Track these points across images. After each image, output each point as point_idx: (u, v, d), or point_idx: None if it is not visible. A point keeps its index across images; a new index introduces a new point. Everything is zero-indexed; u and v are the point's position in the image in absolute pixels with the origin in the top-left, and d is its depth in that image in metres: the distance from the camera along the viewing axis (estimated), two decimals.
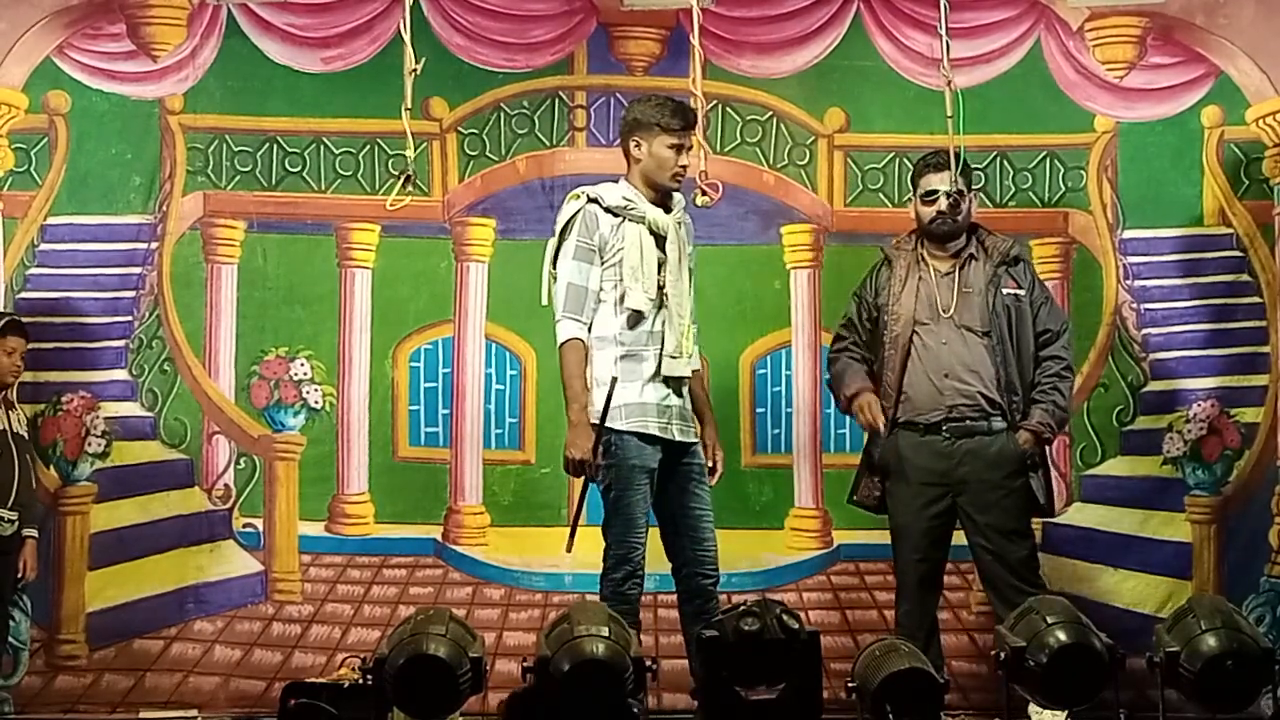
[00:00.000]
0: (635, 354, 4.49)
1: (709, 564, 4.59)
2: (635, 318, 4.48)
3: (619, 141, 4.69)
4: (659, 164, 4.53)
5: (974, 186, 4.94)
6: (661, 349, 4.50)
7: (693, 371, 4.65)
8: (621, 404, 4.45)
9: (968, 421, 4.74)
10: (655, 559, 5.40)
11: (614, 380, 4.44)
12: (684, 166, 4.55)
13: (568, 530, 4.57)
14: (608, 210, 4.50)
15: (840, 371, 4.93)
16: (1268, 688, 4.02)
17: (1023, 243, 5.55)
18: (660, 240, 4.52)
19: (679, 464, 4.58)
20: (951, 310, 4.77)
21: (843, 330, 4.99)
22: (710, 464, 4.67)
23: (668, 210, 4.59)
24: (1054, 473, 5.06)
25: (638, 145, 4.56)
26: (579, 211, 4.50)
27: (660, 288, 4.50)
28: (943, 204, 4.79)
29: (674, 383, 4.55)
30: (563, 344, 4.49)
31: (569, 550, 4.57)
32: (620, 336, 4.49)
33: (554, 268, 4.55)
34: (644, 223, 4.51)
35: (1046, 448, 4.89)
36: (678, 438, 4.55)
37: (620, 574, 4.48)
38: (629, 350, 4.49)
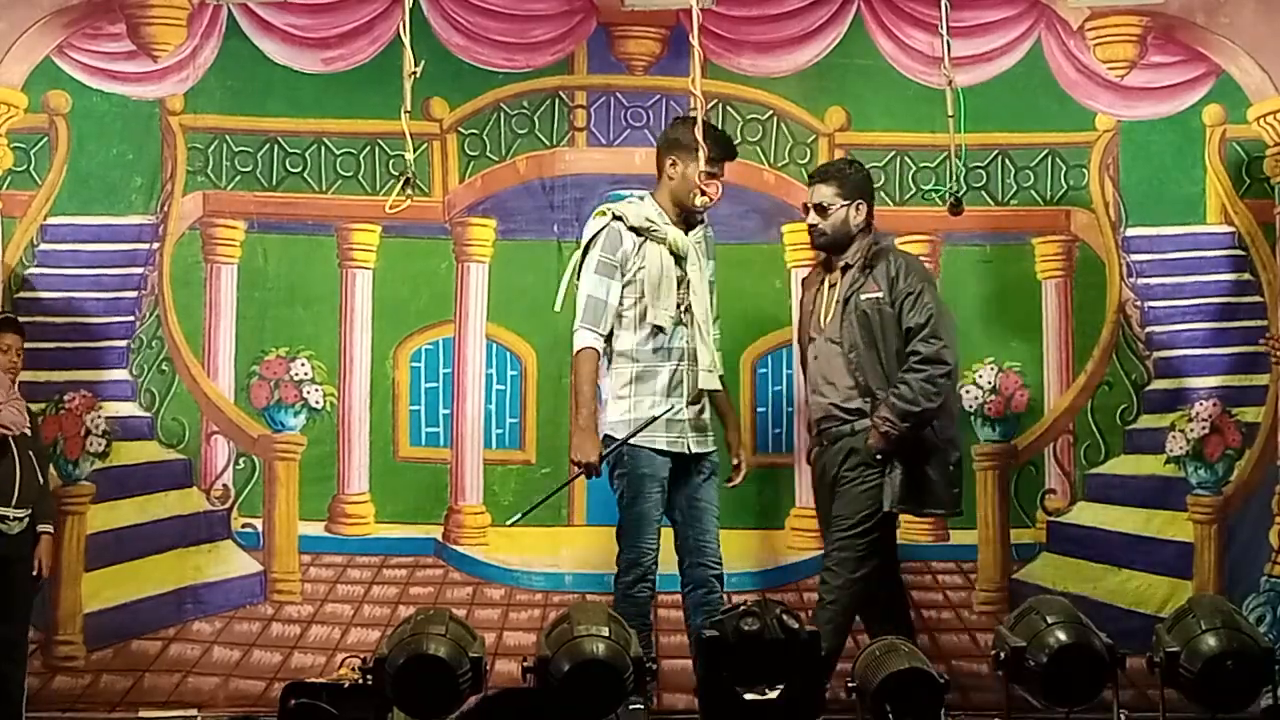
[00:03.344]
0: (650, 369, 4.70)
1: (711, 555, 4.75)
2: (655, 334, 4.66)
3: (657, 155, 4.84)
4: (689, 188, 4.70)
5: (851, 197, 4.82)
6: (695, 364, 4.70)
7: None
8: (632, 418, 4.65)
9: (832, 430, 4.80)
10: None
11: (653, 418, 4.65)
12: (711, 196, 4.71)
13: (533, 525, 4.80)
14: (631, 229, 4.68)
15: None
16: (1268, 687, 4.02)
17: (1024, 240, 5.58)
18: (680, 259, 4.71)
19: (692, 468, 4.77)
20: (824, 323, 4.83)
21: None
22: (735, 462, 4.92)
23: (691, 227, 4.77)
24: (938, 473, 4.74)
25: (673, 164, 4.76)
26: (604, 228, 4.71)
27: (679, 305, 4.70)
28: (812, 217, 4.82)
29: (690, 396, 4.72)
30: (578, 352, 4.68)
31: (510, 524, 4.75)
32: (636, 353, 4.71)
33: (577, 279, 4.74)
34: (665, 243, 4.69)
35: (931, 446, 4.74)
36: (693, 449, 4.76)
37: (631, 577, 4.64)
38: (645, 366, 4.70)
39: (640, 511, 4.65)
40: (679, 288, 4.71)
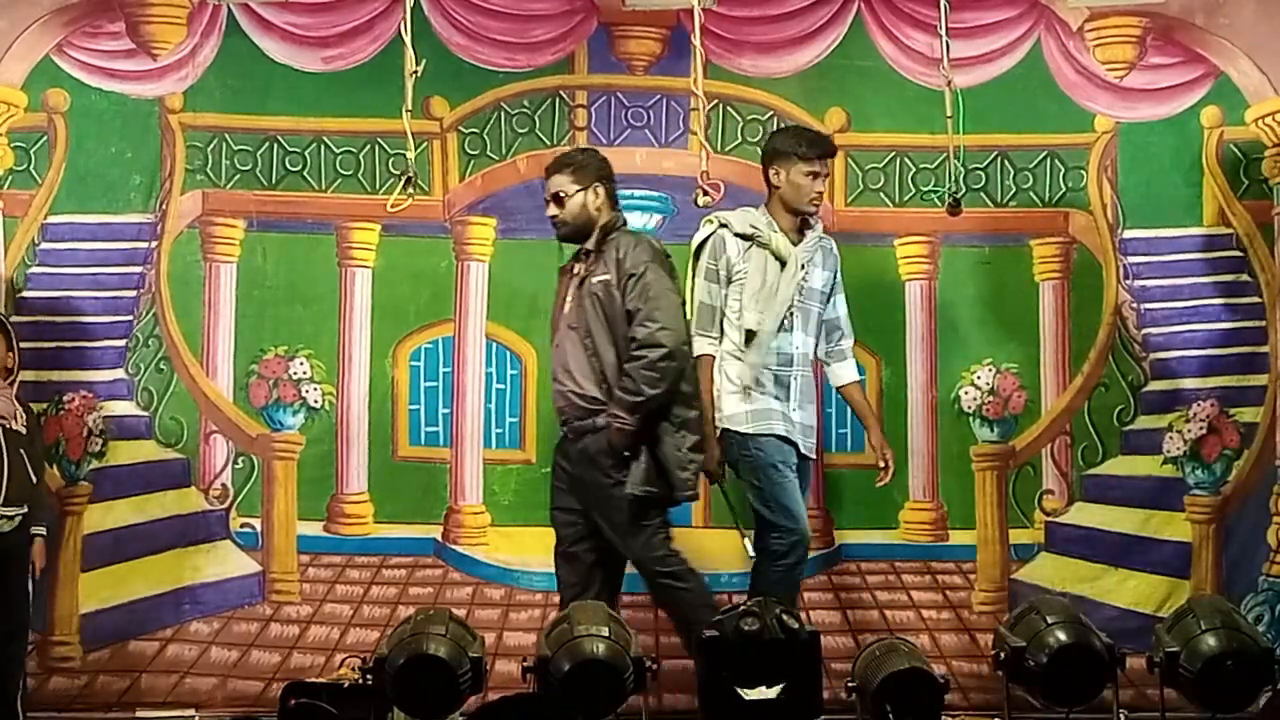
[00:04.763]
0: (760, 368, 4.80)
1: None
2: (756, 336, 4.77)
3: (762, 169, 4.96)
4: (796, 191, 4.86)
5: (586, 182, 4.76)
6: (789, 367, 4.83)
7: (854, 381, 5.12)
8: (748, 409, 4.74)
9: (575, 423, 4.73)
10: None
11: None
12: (820, 193, 4.88)
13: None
14: (736, 235, 4.82)
15: None
16: (1268, 687, 4.02)
17: (1022, 241, 5.59)
18: (785, 264, 4.81)
19: (799, 469, 4.87)
20: (566, 311, 4.80)
21: None
22: (881, 463, 5.02)
23: (804, 232, 4.89)
24: (673, 458, 4.64)
25: (776, 173, 4.89)
26: (710, 235, 4.86)
27: (786, 309, 4.81)
28: (550, 209, 4.81)
29: (799, 397, 4.85)
30: (695, 359, 4.76)
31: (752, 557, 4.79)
32: (744, 355, 4.79)
33: (690, 285, 4.86)
34: (769, 248, 4.80)
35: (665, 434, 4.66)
36: (801, 451, 4.86)
37: (794, 558, 4.75)
38: (754, 365, 4.78)
39: (786, 493, 4.75)
40: (785, 292, 4.80)
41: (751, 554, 4.78)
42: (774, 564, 4.74)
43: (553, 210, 4.80)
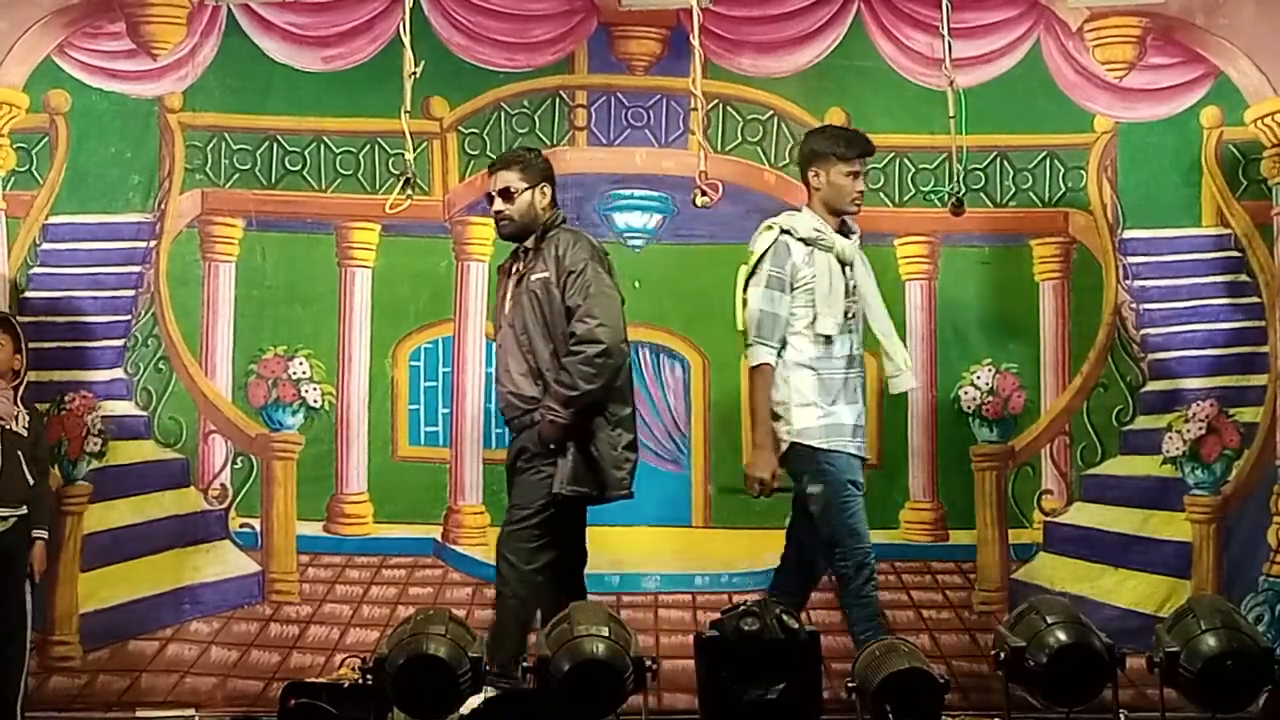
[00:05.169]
0: (829, 377, 4.72)
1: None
2: (826, 342, 4.70)
3: (800, 173, 4.87)
4: (837, 192, 4.80)
5: (534, 181, 4.73)
6: (851, 369, 4.76)
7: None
8: (823, 424, 4.67)
9: (515, 421, 4.72)
10: (654, 558, 5.43)
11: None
12: (861, 192, 4.84)
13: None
14: (800, 240, 4.73)
15: None
16: (1268, 687, 4.02)
17: (1022, 241, 5.59)
18: (847, 265, 4.77)
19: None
20: (506, 310, 4.76)
21: None
22: None
23: (847, 235, 4.82)
24: (606, 456, 4.62)
25: (816, 175, 4.82)
26: (772, 243, 4.75)
27: (847, 313, 4.74)
28: (498, 204, 4.75)
29: (858, 398, 4.78)
30: (754, 368, 4.72)
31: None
32: (814, 361, 4.71)
33: (744, 293, 4.77)
34: (832, 251, 4.74)
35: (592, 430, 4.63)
36: (863, 453, 4.81)
37: (861, 579, 4.67)
38: (824, 374, 4.71)
39: (850, 515, 4.66)
40: (846, 295, 4.75)
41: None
42: (845, 589, 4.70)
43: (500, 206, 4.73)
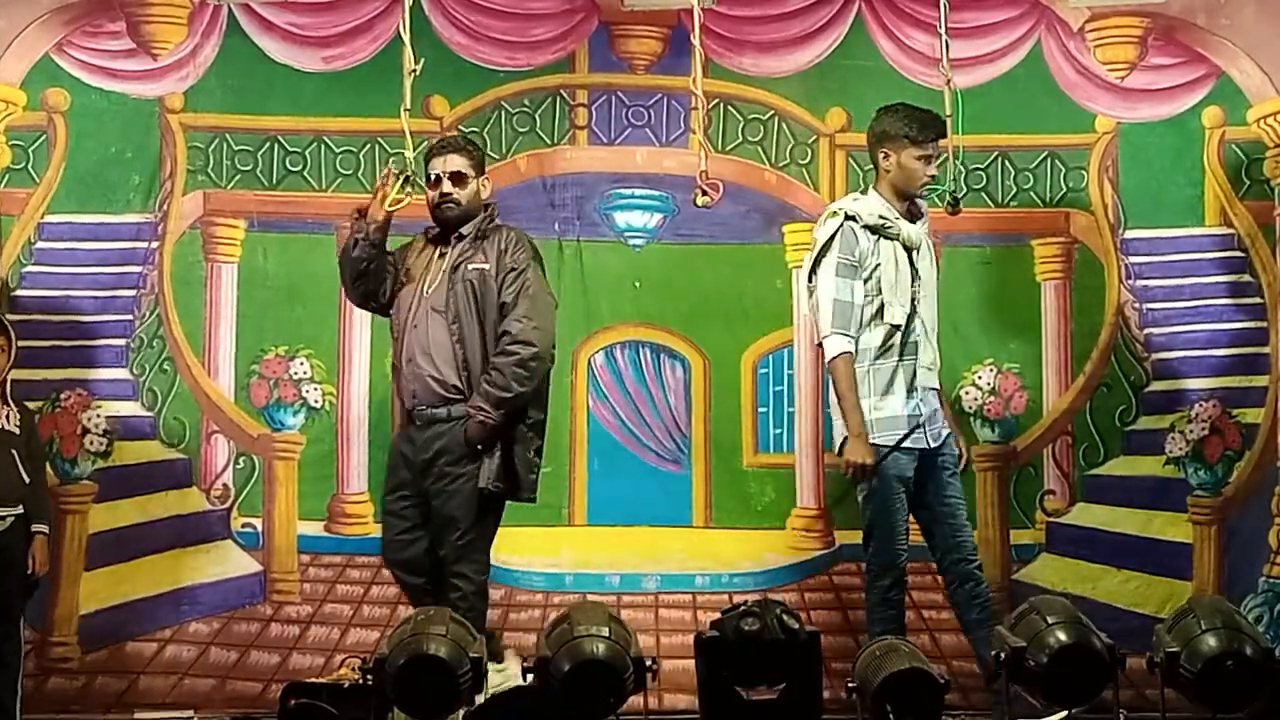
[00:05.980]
0: (885, 367, 4.64)
1: (968, 549, 4.75)
2: (892, 331, 4.61)
3: (870, 154, 4.80)
4: (908, 175, 4.70)
5: (480, 171, 4.74)
6: (917, 359, 4.65)
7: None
8: (873, 417, 4.58)
9: (428, 409, 4.62)
10: (654, 558, 5.42)
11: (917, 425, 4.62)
12: (932, 176, 4.71)
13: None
14: (866, 227, 4.62)
15: None
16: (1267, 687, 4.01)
17: (1023, 241, 5.58)
18: (912, 252, 4.67)
19: (936, 463, 4.71)
20: (429, 291, 4.68)
21: None
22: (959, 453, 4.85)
23: (914, 219, 4.72)
24: (522, 460, 4.62)
25: (886, 156, 4.73)
26: (838, 230, 4.62)
27: (912, 300, 4.64)
28: (447, 185, 4.69)
29: (924, 391, 4.67)
30: (834, 358, 4.61)
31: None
32: (875, 351, 4.63)
33: (810, 283, 4.69)
34: (898, 238, 4.65)
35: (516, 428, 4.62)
36: (931, 444, 4.69)
37: (888, 580, 4.64)
38: (878, 364, 4.64)
39: (890, 514, 4.61)
40: (913, 282, 4.66)
41: None
42: (871, 585, 4.69)
43: (450, 189, 4.67)
